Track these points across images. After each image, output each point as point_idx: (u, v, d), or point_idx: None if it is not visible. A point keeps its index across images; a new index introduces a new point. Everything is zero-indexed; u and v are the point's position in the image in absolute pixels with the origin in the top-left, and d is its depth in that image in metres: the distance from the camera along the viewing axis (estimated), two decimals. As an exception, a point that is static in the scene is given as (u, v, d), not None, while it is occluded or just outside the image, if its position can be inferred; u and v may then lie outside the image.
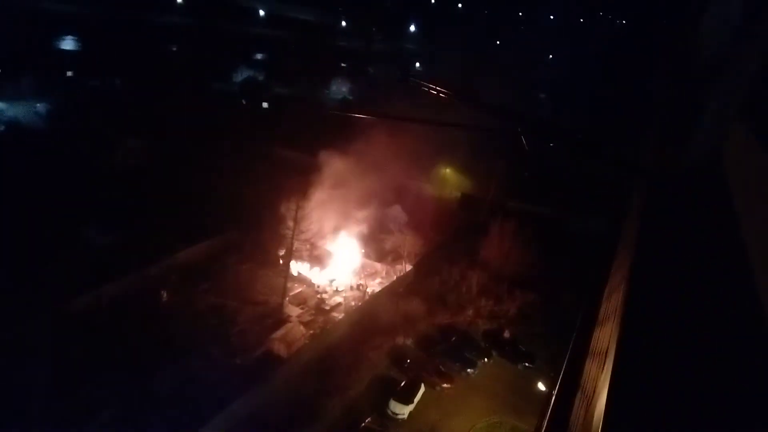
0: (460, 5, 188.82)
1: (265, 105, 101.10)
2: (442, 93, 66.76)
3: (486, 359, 45.21)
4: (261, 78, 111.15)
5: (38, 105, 78.77)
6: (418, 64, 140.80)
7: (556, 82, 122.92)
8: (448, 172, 76.10)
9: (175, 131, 73.63)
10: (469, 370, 43.58)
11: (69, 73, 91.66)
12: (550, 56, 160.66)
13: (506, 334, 48.21)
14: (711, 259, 11.59)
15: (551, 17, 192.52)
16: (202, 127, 75.42)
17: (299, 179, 55.94)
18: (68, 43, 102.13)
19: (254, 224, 56.60)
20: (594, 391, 15.36)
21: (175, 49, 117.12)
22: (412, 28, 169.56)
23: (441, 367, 43.33)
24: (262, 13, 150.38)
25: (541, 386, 39.91)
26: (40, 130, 72.93)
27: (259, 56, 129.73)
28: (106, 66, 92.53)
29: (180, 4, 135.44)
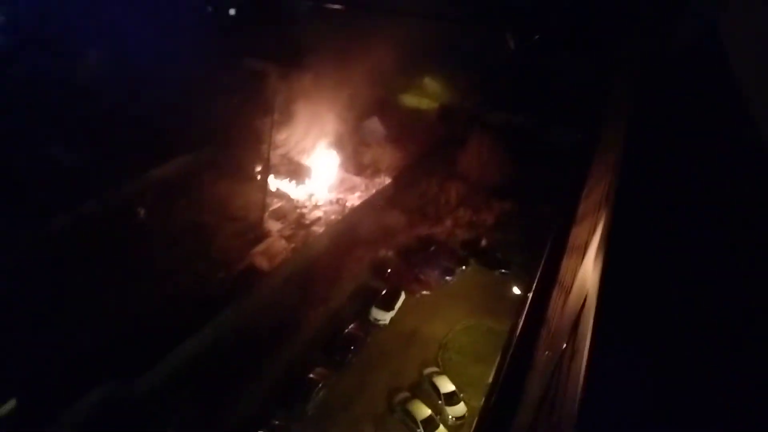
0: None
1: (232, 12, 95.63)
2: None
3: (464, 267, 46.58)
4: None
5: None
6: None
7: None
8: (426, 81, 74.28)
9: (139, 41, 69.71)
10: (447, 277, 44.97)
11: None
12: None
13: (483, 243, 49.41)
14: (711, 142, 11.41)
15: None
16: (167, 37, 71.42)
17: (272, 91, 54.09)
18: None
19: (229, 139, 55.35)
20: (573, 282, 15.85)
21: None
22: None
23: (420, 275, 44.61)
24: None
25: (516, 290, 41.55)
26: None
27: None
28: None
29: None
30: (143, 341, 33.91)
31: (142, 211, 46.27)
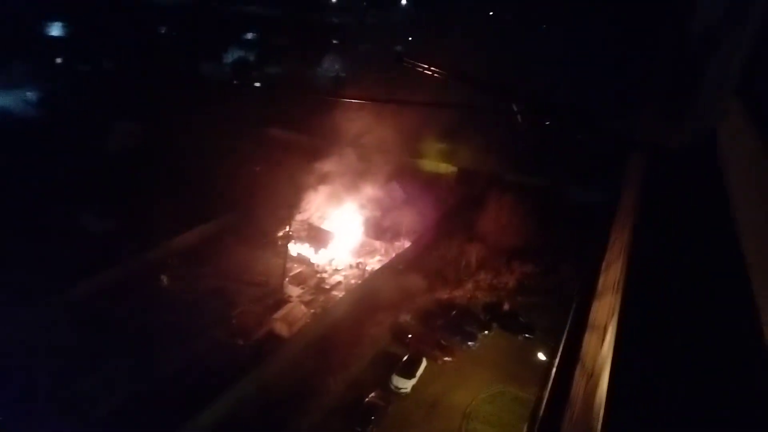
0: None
1: (257, 85, 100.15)
2: (437, 73, 64.90)
3: (486, 332, 45.61)
4: (252, 58, 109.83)
5: (28, 93, 78.02)
6: (410, 38, 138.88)
7: (550, 56, 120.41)
8: (444, 147, 75.71)
9: (167, 114, 73.03)
10: (469, 342, 43.99)
11: (58, 60, 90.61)
12: (544, 26, 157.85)
13: (506, 306, 48.58)
14: (704, 240, 11.51)
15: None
16: (194, 109, 74.75)
17: (295, 160, 55.66)
18: (57, 29, 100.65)
19: (251, 206, 56.50)
20: (594, 366, 15.43)
21: (164, 30, 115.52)
22: (404, 1, 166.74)
23: (442, 341, 43.72)
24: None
25: (541, 356, 40.33)
26: (31, 118, 72.35)
27: (249, 36, 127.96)
28: (96, 50, 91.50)
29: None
30: (161, 408, 33.48)
31: (165, 279, 46.82)
